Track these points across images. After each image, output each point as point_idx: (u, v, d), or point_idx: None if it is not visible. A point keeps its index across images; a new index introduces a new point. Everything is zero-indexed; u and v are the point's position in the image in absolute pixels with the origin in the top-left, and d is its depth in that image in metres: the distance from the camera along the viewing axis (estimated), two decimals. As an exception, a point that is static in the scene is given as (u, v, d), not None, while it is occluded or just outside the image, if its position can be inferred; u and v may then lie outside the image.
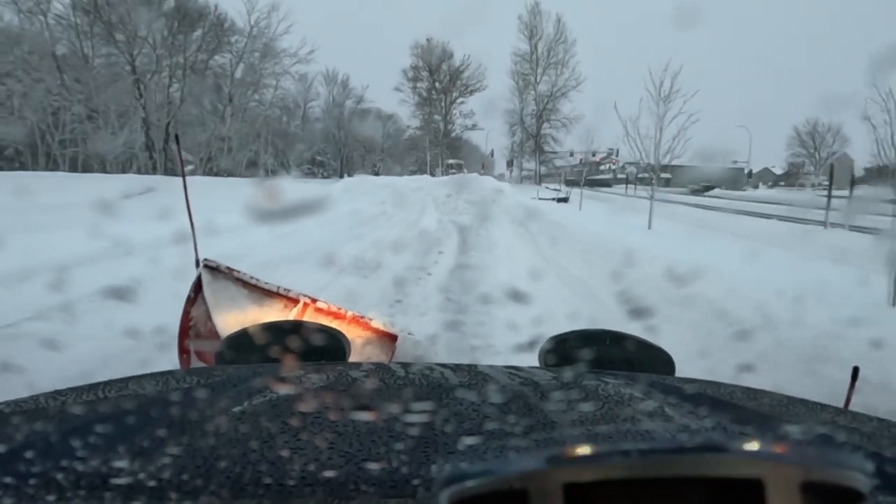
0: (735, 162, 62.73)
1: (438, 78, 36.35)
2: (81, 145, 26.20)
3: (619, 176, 41.29)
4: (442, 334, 4.15)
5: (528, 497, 0.31)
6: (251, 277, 2.38)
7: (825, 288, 4.50)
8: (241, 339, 1.22)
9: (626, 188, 32.40)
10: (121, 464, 0.51)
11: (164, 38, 28.44)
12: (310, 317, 2.16)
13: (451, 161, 37.39)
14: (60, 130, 25.35)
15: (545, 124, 35.99)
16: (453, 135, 39.64)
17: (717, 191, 49.89)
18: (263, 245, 6.79)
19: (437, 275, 6.33)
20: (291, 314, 2.20)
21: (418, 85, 35.55)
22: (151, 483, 0.48)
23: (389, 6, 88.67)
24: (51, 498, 0.46)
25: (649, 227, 10.41)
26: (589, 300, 5.25)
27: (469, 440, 0.58)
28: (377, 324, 2.16)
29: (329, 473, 0.50)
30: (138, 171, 26.82)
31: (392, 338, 2.13)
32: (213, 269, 2.37)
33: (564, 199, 22.56)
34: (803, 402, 0.84)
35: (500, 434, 0.60)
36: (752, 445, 0.31)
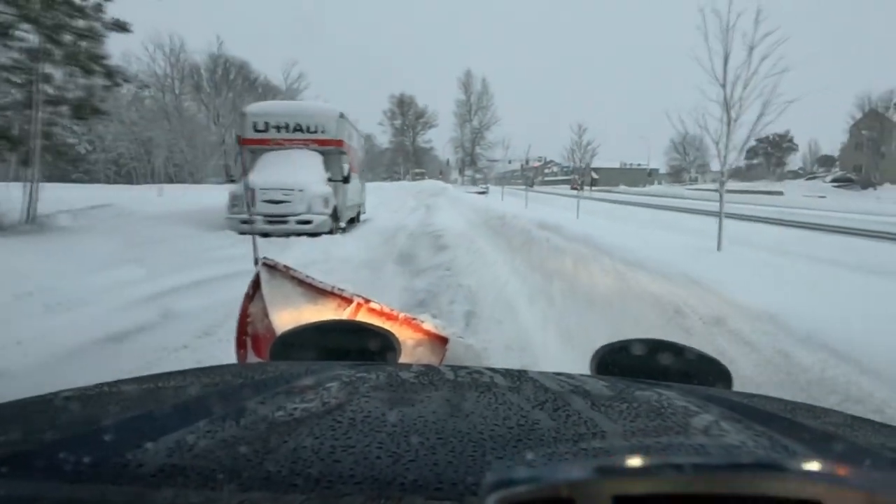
0: (638, 164, 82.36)
1: (406, 119, 51.58)
2: (185, 167, 40.65)
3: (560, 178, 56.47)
4: (422, 220, 18.16)
5: None
6: (307, 276, 2.38)
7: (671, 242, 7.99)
8: (296, 337, 1.22)
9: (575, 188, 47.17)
10: (176, 453, 0.52)
11: (233, 100, 43.23)
12: (363, 317, 2.14)
13: (416, 170, 52.28)
14: (170, 159, 39.80)
15: (477, 147, 51.68)
16: (418, 151, 54.97)
17: (622, 186, 67.49)
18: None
19: (419, 211, 21.02)
20: (345, 313, 2.18)
21: (394, 122, 50.64)
22: (205, 473, 0.48)
23: (366, 50, 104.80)
24: (111, 483, 0.46)
25: (525, 207, 17.48)
26: (465, 221, 18.19)
27: (517, 446, 0.56)
28: (429, 326, 2.10)
29: (376, 473, 0.49)
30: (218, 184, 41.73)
31: (443, 340, 2.08)
32: (271, 267, 2.39)
33: (484, 192, 37.75)
34: (870, 422, 0.79)
35: (548, 441, 0.59)
36: (812, 465, 0.29)
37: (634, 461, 0.30)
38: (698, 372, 1.08)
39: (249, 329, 2.25)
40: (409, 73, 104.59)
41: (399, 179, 44.11)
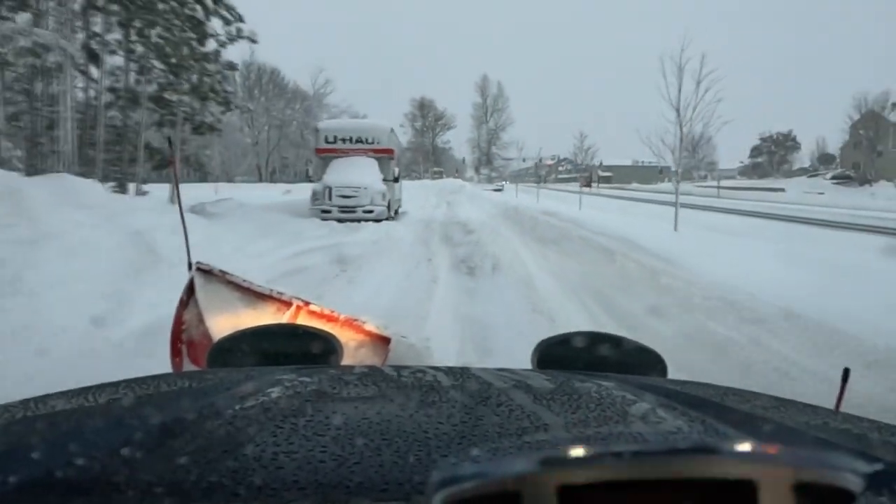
0: (650, 162, 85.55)
1: (426, 121, 54.78)
2: (221, 167, 44.28)
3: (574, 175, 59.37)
4: (447, 213, 21.26)
5: (521, 499, 0.31)
6: (244, 280, 2.34)
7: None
8: (234, 343, 1.21)
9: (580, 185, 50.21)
10: (112, 468, 0.50)
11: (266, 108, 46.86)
12: (303, 320, 2.12)
13: (435, 169, 55.41)
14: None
15: (493, 146, 54.73)
16: (437, 150, 58.17)
17: (633, 184, 70.12)
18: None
19: (443, 207, 24.13)
20: (284, 317, 2.15)
21: (414, 124, 53.88)
22: (142, 487, 0.47)
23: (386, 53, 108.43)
24: (41, 503, 0.44)
25: (537, 201, 22.53)
26: (485, 213, 21.19)
27: (462, 443, 0.57)
28: (370, 327, 2.11)
29: (321, 477, 0.49)
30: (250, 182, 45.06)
31: (385, 341, 2.09)
32: (206, 272, 2.33)
33: (499, 190, 40.80)
34: (794, 403, 0.83)
35: (493, 436, 0.60)
36: (744, 447, 0.31)
37: (576, 451, 0.31)
38: (635, 362, 1.13)
39: (184, 336, 2.21)
40: (427, 76, 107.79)
41: (419, 178, 47.29)
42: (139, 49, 11.07)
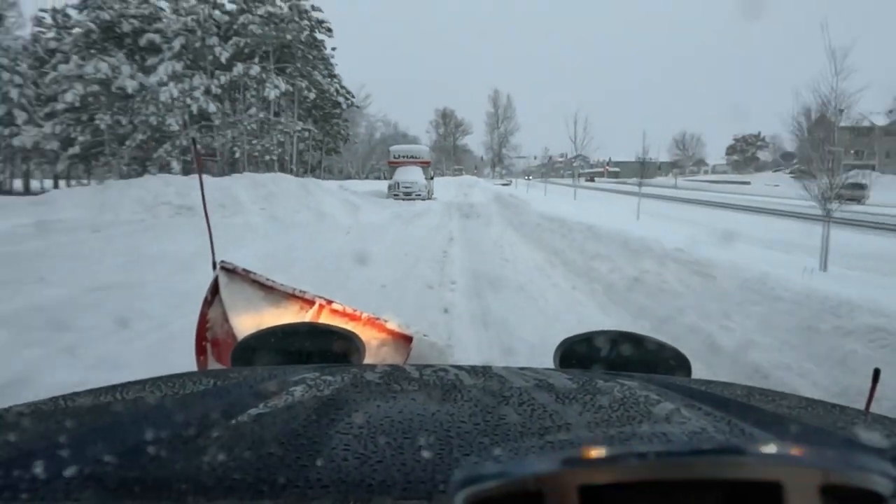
0: (651, 158, 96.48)
1: (448, 128, 65.39)
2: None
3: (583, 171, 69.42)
4: (462, 198, 31.04)
5: (543, 499, 0.30)
6: (267, 279, 2.35)
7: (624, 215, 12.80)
8: (257, 341, 1.22)
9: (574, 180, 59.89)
10: (137, 465, 0.51)
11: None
12: (325, 318, 2.13)
13: (455, 167, 65.76)
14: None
15: (503, 148, 65.18)
16: (457, 150, 68.80)
17: (633, 179, 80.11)
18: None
19: (461, 196, 32.91)
20: (307, 316, 2.17)
21: (438, 130, 64.57)
22: (167, 484, 0.48)
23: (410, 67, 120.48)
24: (70, 499, 0.45)
25: (543, 195, 25.39)
26: (487, 200, 28.59)
27: (484, 442, 0.57)
28: (392, 325, 2.10)
29: (344, 475, 0.49)
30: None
31: (407, 339, 2.08)
32: (230, 271, 2.36)
33: (507, 185, 50.67)
34: (822, 403, 0.82)
35: (515, 435, 0.59)
36: (771, 448, 0.30)
37: (599, 451, 0.30)
38: (658, 361, 1.11)
39: (209, 335, 2.24)
40: (449, 83, 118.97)
41: (442, 175, 57.55)
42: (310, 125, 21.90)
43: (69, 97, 17.91)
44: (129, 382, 0.83)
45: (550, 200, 21.00)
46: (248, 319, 2.14)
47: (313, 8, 22.41)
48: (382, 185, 27.31)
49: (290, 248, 8.42)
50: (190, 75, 18.97)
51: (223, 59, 19.30)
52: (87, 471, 0.49)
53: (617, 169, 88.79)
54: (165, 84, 18.27)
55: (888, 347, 3.24)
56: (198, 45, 18.96)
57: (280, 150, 20.94)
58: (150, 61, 19.12)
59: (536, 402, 0.72)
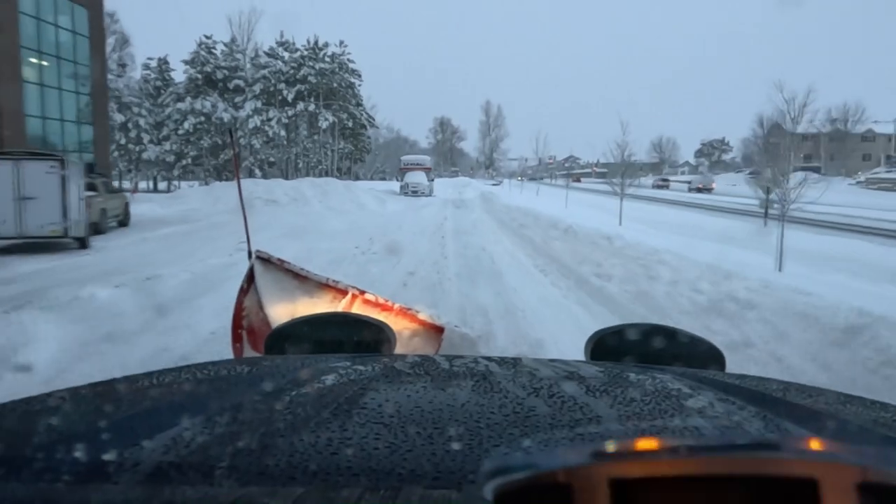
0: (633, 159, 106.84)
1: (445, 135, 74.01)
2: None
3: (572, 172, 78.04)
4: (456, 196, 39.72)
5: (572, 492, 0.30)
6: (301, 269, 2.37)
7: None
8: (291, 330, 1.24)
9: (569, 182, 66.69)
10: (174, 451, 0.52)
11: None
12: (358, 308, 2.15)
13: (453, 168, 74.25)
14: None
15: (494, 153, 73.94)
16: (454, 152, 77.44)
17: (616, 179, 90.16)
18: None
19: (455, 193, 41.33)
20: (340, 305, 2.19)
21: (437, 136, 73.22)
22: (202, 469, 0.49)
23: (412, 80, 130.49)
24: (109, 482, 0.46)
25: (520, 192, 38.46)
26: (476, 196, 37.31)
27: (514, 433, 0.57)
28: (424, 316, 2.12)
29: (374, 464, 0.49)
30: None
31: (439, 330, 2.10)
32: (265, 260, 2.36)
33: (497, 184, 58.87)
34: (861, 399, 0.79)
35: (545, 427, 0.59)
36: (807, 444, 0.30)
37: (630, 445, 0.30)
38: (691, 354, 1.09)
39: (245, 322, 2.24)
40: (443, 87, 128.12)
41: (440, 176, 66.06)
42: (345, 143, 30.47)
43: (186, 125, 26.43)
44: (166, 370, 0.85)
45: (519, 196, 29.71)
46: (283, 308, 2.16)
47: (349, 61, 31.48)
48: (391, 185, 35.88)
49: (350, 224, 16.59)
50: (266, 110, 27.41)
51: (289, 99, 28.09)
52: (126, 455, 0.50)
53: (605, 170, 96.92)
54: (251, 116, 26.80)
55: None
56: (272, 89, 27.39)
57: (328, 160, 29.34)
58: (238, 100, 27.69)
59: (566, 394, 0.71)
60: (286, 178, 27.25)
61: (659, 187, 52.14)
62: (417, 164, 34.03)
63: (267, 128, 27.43)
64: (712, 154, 78.06)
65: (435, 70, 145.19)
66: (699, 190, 44.65)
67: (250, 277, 2.37)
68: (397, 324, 1.95)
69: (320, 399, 0.70)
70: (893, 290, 5.66)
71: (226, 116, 26.83)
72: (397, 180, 34.58)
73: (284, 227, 13.53)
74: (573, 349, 1.36)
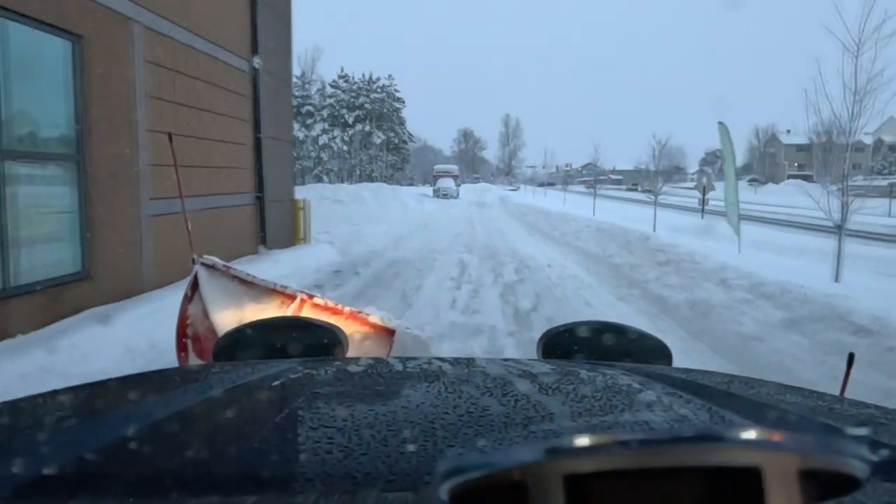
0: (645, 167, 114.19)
1: (468, 144, 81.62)
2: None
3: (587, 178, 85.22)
4: (478, 198, 47.07)
5: (528, 489, 0.31)
6: (247, 275, 2.31)
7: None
8: (239, 336, 1.21)
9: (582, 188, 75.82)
10: (119, 462, 0.50)
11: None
12: (307, 312, 2.11)
13: (475, 175, 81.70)
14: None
15: (513, 161, 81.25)
16: (475, 160, 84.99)
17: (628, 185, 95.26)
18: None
19: (477, 197, 47.63)
20: (289, 310, 2.15)
21: (460, 146, 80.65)
22: (150, 480, 0.47)
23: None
24: (47, 497, 0.44)
25: (532, 195, 46.71)
26: (494, 199, 44.53)
27: (468, 433, 0.57)
28: (375, 319, 2.09)
29: (329, 469, 0.49)
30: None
31: (390, 332, 2.08)
32: (210, 266, 2.29)
33: (515, 190, 66.14)
34: (800, 389, 0.83)
35: (499, 427, 0.60)
36: (750, 434, 0.30)
37: (582, 441, 0.30)
38: (640, 350, 1.12)
39: (189, 331, 2.18)
40: (466, 95, 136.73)
41: (463, 182, 73.39)
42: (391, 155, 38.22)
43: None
44: (110, 379, 0.81)
45: (529, 198, 37.15)
46: (230, 315, 2.08)
47: (395, 91, 39.52)
48: (422, 189, 43.06)
49: (406, 216, 24.00)
50: (331, 130, 35.11)
51: (350, 121, 35.91)
52: (68, 469, 0.48)
53: (620, 177, 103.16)
54: (320, 135, 34.58)
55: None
56: (336, 113, 35.14)
57: (378, 169, 37.01)
58: (309, 122, 35.57)
59: (520, 392, 0.72)
60: (347, 183, 34.97)
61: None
62: (447, 172, 41.58)
63: (332, 144, 35.11)
64: (715, 162, 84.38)
65: (458, 84, 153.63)
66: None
67: (194, 285, 2.31)
68: (348, 327, 1.88)
69: (272, 405, 0.70)
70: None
71: (300, 135, 34.65)
72: (429, 185, 42.04)
73: (362, 217, 18.09)
74: (524, 244, 7.67)
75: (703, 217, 20.73)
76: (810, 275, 6.20)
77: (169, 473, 0.49)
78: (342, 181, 36.09)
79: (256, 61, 8.11)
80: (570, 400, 0.72)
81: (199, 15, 6.68)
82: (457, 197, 39.22)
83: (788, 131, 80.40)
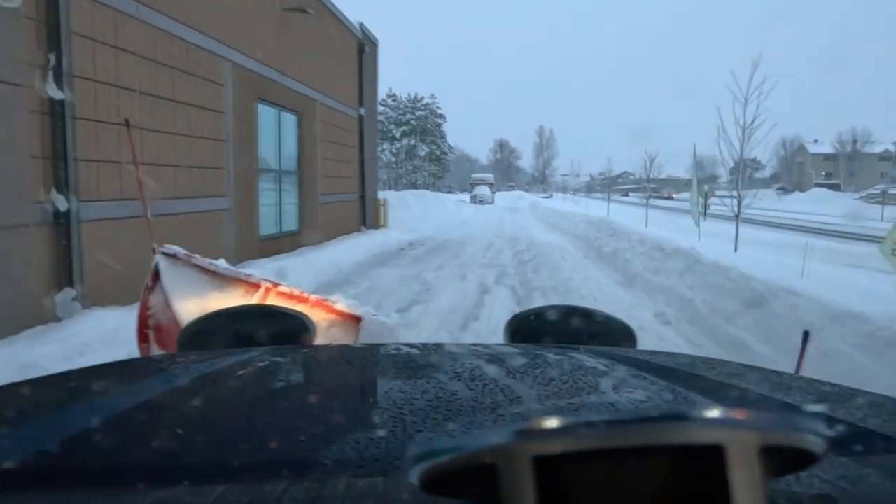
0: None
1: (503, 154, 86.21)
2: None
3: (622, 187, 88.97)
4: (512, 205, 51.26)
5: (497, 471, 0.31)
6: (210, 263, 2.29)
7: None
8: (203, 326, 1.20)
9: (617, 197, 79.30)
10: (84, 454, 0.50)
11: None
12: (272, 301, 2.11)
13: (510, 183, 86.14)
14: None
15: (546, 170, 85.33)
16: (511, 168, 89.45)
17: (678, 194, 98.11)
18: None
19: (511, 203, 52.45)
20: (253, 299, 2.14)
21: (496, 156, 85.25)
22: (117, 471, 0.46)
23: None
24: (8, 492, 0.43)
25: (563, 202, 53.05)
26: (527, 205, 48.33)
27: (437, 418, 0.57)
28: (341, 306, 2.10)
29: (298, 456, 0.49)
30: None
31: (356, 319, 2.08)
32: (171, 256, 2.27)
33: (548, 197, 70.05)
34: (760, 369, 0.85)
35: (468, 411, 0.60)
36: (712, 413, 0.31)
37: (550, 423, 0.31)
38: (605, 333, 1.14)
39: (151, 322, 2.17)
40: (500, 110, 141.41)
41: (499, 190, 77.80)
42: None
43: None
44: (73, 371, 0.80)
45: (558, 204, 41.11)
46: (192, 305, 2.07)
47: (437, 108, 44.55)
48: (460, 196, 47.40)
49: (449, 218, 28.46)
50: (380, 143, 40.16)
51: (397, 136, 41.01)
52: (30, 462, 0.47)
53: (654, 185, 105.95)
54: (371, 148, 40.18)
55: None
56: (385, 129, 40.21)
57: (421, 178, 41.97)
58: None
59: (488, 377, 0.72)
60: (394, 190, 40.02)
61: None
62: (483, 181, 46.12)
63: (382, 156, 40.31)
64: (745, 171, 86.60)
65: (495, 95, 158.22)
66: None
67: (155, 275, 2.29)
68: (314, 315, 1.84)
69: (239, 393, 0.70)
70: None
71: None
72: (467, 192, 46.62)
73: (411, 218, 20.05)
74: (538, 233, 11.56)
75: (704, 219, 24.78)
76: (724, 249, 10.29)
77: (135, 464, 0.48)
78: (389, 188, 41.11)
79: (362, 111, 12.90)
80: (538, 383, 0.72)
81: (339, 90, 11.59)
82: (492, 203, 43.51)
83: (816, 141, 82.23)
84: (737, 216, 11.39)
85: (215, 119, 6.90)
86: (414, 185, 43.39)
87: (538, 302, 6.73)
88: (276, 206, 9.01)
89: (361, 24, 12.85)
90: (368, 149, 13.61)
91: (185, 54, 6.18)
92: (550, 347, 0.95)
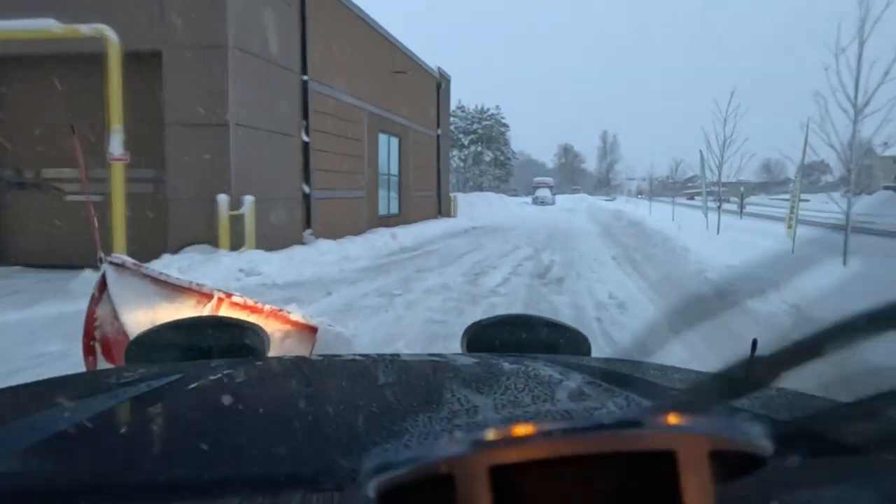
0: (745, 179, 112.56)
1: (568, 159, 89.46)
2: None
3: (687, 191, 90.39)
4: (571, 206, 54.57)
5: (454, 481, 0.31)
6: (160, 273, 2.26)
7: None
8: (154, 337, 1.17)
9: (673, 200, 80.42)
10: (25, 472, 0.49)
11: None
12: (225, 312, 2.07)
13: (574, 187, 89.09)
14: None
15: (609, 174, 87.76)
16: (575, 172, 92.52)
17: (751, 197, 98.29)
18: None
19: (571, 205, 54.81)
20: (206, 310, 2.11)
21: (561, 160, 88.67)
22: (60, 490, 0.45)
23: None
24: None
25: (625, 205, 58.88)
26: (586, 206, 48.25)
27: (393, 430, 0.57)
28: (296, 317, 2.08)
29: (251, 471, 0.48)
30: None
31: (312, 330, 2.07)
32: (119, 265, 2.24)
33: (611, 200, 72.05)
34: (712, 374, 0.80)
35: (424, 421, 0.59)
36: (665, 419, 0.32)
37: (506, 432, 0.31)
38: (561, 341, 1.16)
39: (97, 333, 2.13)
40: (565, 116, 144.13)
41: (562, 193, 79.99)
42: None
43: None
44: (17, 386, 0.78)
45: (619, 206, 44.35)
46: (141, 316, 2.05)
47: (502, 118, 49.44)
48: (523, 198, 51.74)
49: (512, 216, 32.61)
50: (451, 150, 45.11)
51: (465, 143, 46.07)
52: None
53: (724, 188, 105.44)
54: (442, 155, 45.25)
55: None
56: (454, 137, 45.44)
57: (487, 182, 46.83)
58: (434, 144, 46.54)
59: (444, 386, 0.73)
60: (461, 192, 44.91)
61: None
62: (544, 183, 50.25)
63: (451, 162, 45.35)
64: (812, 174, 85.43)
65: (560, 100, 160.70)
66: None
67: (102, 285, 2.25)
68: (269, 325, 1.85)
69: (190, 408, 0.68)
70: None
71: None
72: (530, 195, 50.63)
73: (478, 214, 24.09)
74: (581, 224, 16.17)
75: (741, 218, 27.74)
76: (708, 235, 14.32)
77: (77, 484, 0.47)
78: (458, 191, 46.06)
79: (438, 131, 17.71)
80: (494, 392, 0.72)
81: (423, 117, 16.57)
82: (552, 204, 47.21)
83: (886, 144, 79.92)
84: (719, 208, 15.12)
85: (358, 145, 12.08)
86: (480, 188, 48.01)
87: (549, 251, 11.25)
88: (387, 198, 14.11)
89: (439, 68, 17.69)
90: (443, 158, 18.44)
91: (345, 109, 11.27)
92: (507, 356, 0.95)
